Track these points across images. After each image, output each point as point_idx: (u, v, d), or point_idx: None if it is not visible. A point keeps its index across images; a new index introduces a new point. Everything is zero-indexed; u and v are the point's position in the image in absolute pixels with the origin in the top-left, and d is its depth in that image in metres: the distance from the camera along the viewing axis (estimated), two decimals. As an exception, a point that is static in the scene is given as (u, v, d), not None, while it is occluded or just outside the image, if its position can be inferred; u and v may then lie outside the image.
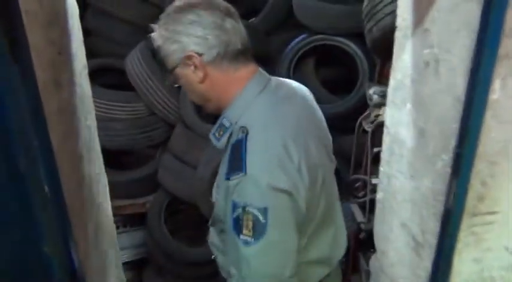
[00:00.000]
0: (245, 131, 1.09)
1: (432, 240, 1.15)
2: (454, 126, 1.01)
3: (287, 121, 1.13)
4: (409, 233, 1.30)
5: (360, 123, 1.83)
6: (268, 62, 2.95)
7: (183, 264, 3.04)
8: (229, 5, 1.13)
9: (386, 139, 1.45)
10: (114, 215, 3.52)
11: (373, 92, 1.65)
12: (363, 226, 1.80)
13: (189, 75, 1.14)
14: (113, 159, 3.43)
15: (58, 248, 0.96)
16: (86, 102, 1.26)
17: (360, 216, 1.86)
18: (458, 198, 1.04)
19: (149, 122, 3.23)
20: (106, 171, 3.29)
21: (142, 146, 3.27)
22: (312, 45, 2.78)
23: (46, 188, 0.90)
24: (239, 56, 1.14)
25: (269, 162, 1.05)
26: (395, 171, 1.38)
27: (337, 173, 1.35)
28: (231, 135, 1.15)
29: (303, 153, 1.10)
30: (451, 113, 1.03)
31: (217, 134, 1.19)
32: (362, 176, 1.85)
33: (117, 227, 3.57)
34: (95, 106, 3.20)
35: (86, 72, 1.28)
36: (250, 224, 1.04)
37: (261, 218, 1.03)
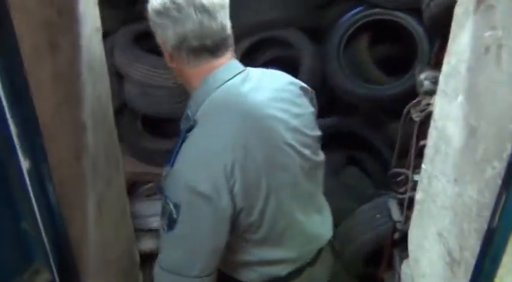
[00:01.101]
0: (191, 127, 1.11)
1: (470, 259, 0.97)
2: (512, 127, 0.82)
3: (234, 122, 1.10)
4: (445, 246, 1.12)
5: (408, 111, 1.62)
6: (320, 38, 2.75)
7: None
8: (208, 1, 1.08)
9: (432, 133, 1.26)
10: (152, 181, 3.53)
11: (424, 77, 1.44)
12: (398, 225, 1.62)
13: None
14: (155, 126, 3.40)
15: (37, 224, 0.89)
16: (97, 69, 1.16)
17: (397, 214, 1.68)
18: (506, 217, 0.85)
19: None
20: (147, 138, 3.27)
21: (182, 113, 3.21)
22: (367, 19, 2.53)
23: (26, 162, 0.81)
24: (202, 52, 1.11)
25: (195, 162, 1.06)
26: (438, 171, 1.19)
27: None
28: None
29: (242, 159, 1.07)
30: (511, 112, 0.83)
31: (184, 123, 1.17)
32: (403, 170, 1.66)
33: (154, 193, 3.59)
34: (137, 71, 3.14)
35: (98, 36, 1.17)
36: (167, 215, 1.06)
37: (173, 212, 1.04)
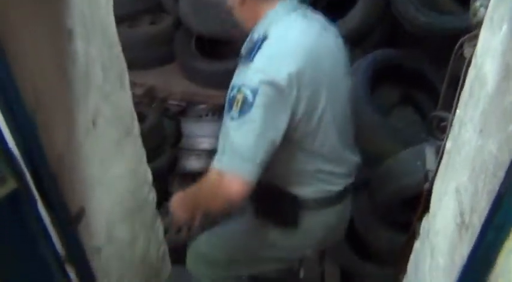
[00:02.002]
0: (265, 35, 1.25)
1: (478, 225, 0.81)
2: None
3: (310, 33, 1.31)
4: (459, 205, 0.95)
5: (461, 46, 1.36)
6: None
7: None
8: None
9: (471, 72, 1.04)
10: (204, 103, 3.51)
11: (479, 4, 1.17)
12: (430, 175, 1.44)
13: None
14: (209, 47, 3.30)
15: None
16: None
17: (431, 163, 1.49)
18: (520, 182, 0.67)
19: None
20: (200, 59, 3.18)
21: (236, 36, 3.06)
22: None
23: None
24: None
25: (275, 57, 1.22)
26: (468, 118, 0.99)
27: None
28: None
29: (313, 65, 1.25)
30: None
31: (247, 46, 1.33)
32: (443, 114, 1.43)
33: (206, 115, 3.59)
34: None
35: None
36: (240, 102, 1.19)
37: (250, 97, 1.18)
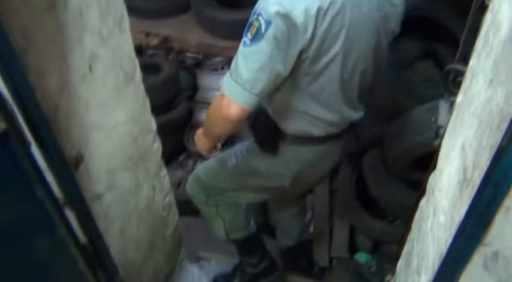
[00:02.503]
0: None
1: (477, 181, 0.76)
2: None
3: None
4: (463, 161, 0.90)
5: (484, -8, 1.26)
6: None
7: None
8: None
9: (487, 19, 0.96)
10: (220, 55, 3.44)
11: None
12: (441, 131, 1.38)
13: None
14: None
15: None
16: None
17: (443, 118, 1.42)
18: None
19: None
20: (216, 8, 3.07)
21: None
22: None
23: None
24: None
25: None
26: (480, 68, 0.92)
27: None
28: None
29: (336, 10, 1.26)
30: None
31: None
32: (459, 67, 1.35)
33: (222, 68, 3.52)
34: None
35: None
36: (255, 29, 1.24)
37: (263, 27, 1.22)
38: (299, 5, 1.21)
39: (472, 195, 0.76)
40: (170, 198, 1.81)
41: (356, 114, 1.58)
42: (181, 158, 3.20)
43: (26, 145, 1.00)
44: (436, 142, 1.37)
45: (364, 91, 1.58)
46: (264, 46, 1.24)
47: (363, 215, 2.36)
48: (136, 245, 1.59)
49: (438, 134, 1.38)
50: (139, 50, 3.31)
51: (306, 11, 1.22)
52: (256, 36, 1.24)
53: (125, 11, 1.27)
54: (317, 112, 1.47)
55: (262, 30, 1.22)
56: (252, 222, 2.01)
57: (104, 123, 1.27)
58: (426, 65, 2.26)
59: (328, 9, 1.25)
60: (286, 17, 1.21)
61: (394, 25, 1.53)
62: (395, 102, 1.99)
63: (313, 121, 1.49)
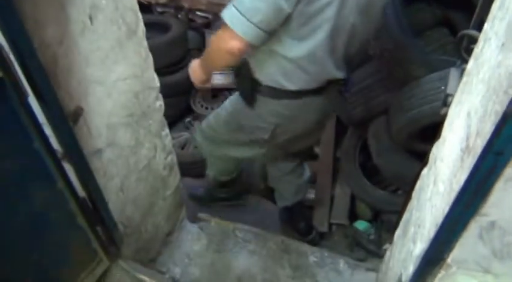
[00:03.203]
0: None
1: (479, 149, 0.74)
2: None
3: None
4: (467, 128, 0.88)
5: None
6: None
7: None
8: None
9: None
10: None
11: None
12: (449, 99, 1.33)
13: None
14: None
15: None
16: None
17: (453, 87, 1.37)
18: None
19: None
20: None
21: None
22: None
23: None
24: None
25: None
26: (493, 32, 0.88)
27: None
28: None
29: None
30: None
31: None
32: (473, 33, 1.30)
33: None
34: None
35: None
36: None
37: None
38: None
39: (473, 164, 0.74)
40: (172, 158, 1.81)
41: (338, 73, 1.56)
42: (187, 119, 3.19)
43: (23, 95, 0.98)
44: (443, 111, 1.33)
45: (353, 52, 1.58)
46: None
47: (365, 183, 2.36)
48: (135, 203, 1.60)
49: (446, 103, 1.34)
50: (149, 8, 3.25)
51: None
52: None
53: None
54: (298, 59, 1.46)
55: None
56: (236, 171, 2.36)
57: (105, 78, 1.25)
58: (440, 33, 2.19)
59: None
60: None
61: None
62: (406, 69, 1.94)
63: (287, 72, 1.50)
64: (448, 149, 1.02)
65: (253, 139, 1.79)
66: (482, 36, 0.99)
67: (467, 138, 0.85)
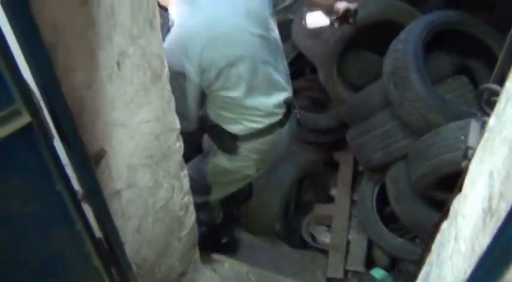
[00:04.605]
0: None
1: (503, 213, 0.72)
2: None
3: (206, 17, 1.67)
4: (490, 189, 0.86)
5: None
6: None
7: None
8: None
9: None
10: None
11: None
12: (470, 152, 1.32)
13: None
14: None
15: (13, 62, 0.84)
16: None
17: (474, 139, 1.36)
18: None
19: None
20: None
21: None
22: None
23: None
24: None
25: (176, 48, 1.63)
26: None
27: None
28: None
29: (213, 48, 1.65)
30: None
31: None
32: (494, 87, 1.30)
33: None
34: None
35: None
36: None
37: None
38: (181, 60, 1.69)
39: (496, 227, 0.72)
40: (188, 198, 1.81)
41: (287, 93, 1.89)
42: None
43: (49, 138, 1.01)
44: (464, 163, 1.32)
45: (283, 67, 1.91)
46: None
47: (382, 230, 2.32)
48: (151, 243, 1.60)
49: (467, 155, 1.33)
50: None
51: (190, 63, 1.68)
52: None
53: (156, 10, 1.27)
54: (250, 110, 1.79)
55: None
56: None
57: (129, 121, 1.28)
58: (460, 81, 2.19)
59: (207, 51, 1.65)
60: (177, 74, 1.63)
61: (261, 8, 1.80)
62: (426, 118, 1.94)
63: (253, 118, 1.81)
64: (469, 206, 1.01)
65: (239, 178, 2.06)
66: (504, 94, 0.99)
67: (490, 199, 0.83)
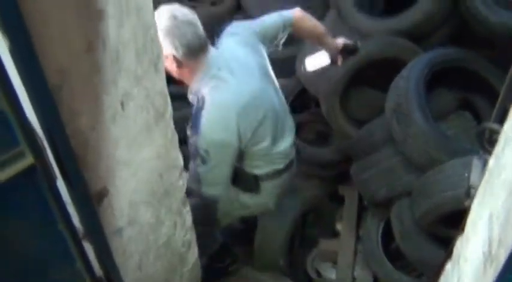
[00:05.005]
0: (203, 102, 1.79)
1: (502, 260, 0.72)
2: None
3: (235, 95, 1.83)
4: (490, 232, 0.86)
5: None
6: None
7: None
8: (189, 13, 1.77)
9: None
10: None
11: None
12: (472, 191, 1.32)
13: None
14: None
15: (19, 106, 0.87)
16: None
17: (476, 178, 1.36)
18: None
19: (306, -2, 2.88)
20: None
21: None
22: None
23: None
24: (198, 51, 1.80)
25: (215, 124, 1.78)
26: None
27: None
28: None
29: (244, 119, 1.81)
30: None
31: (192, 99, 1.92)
32: (495, 126, 1.30)
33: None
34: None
35: None
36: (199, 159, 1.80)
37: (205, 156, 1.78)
38: (220, 133, 1.83)
39: (496, 275, 0.72)
40: (191, 235, 1.81)
41: (291, 139, 2.10)
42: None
43: (51, 179, 1.02)
44: (467, 202, 1.32)
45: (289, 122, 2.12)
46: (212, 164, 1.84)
47: (388, 266, 2.28)
48: (152, 280, 1.58)
49: (469, 194, 1.32)
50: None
51: (228, 135, 1.84)
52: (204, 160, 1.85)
53: (161, 51, 1.31)
54: (272, 155, 1.99)
55: (205, 157, 1.81)
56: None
57: (131, 159, 1.30)
58: (463, 117, 2.20)
59: (240, 122, 1.82)
60: (216, 143, 1.84)
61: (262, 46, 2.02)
62: (429, 154, 1.94)
63: (274, 160, 2.02)
64: (471, 249, 1.00)
65: (258, 212, 2.31)
66: (502, 136, 1.00)
67: (490, 243, 0.83)
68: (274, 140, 1.96)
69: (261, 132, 1.88)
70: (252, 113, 1.83)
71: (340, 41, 2.21)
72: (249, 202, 2.13)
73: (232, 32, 1.99)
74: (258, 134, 1.87)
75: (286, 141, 2.04)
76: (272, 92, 1.97)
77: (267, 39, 2.02)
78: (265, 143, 1.92)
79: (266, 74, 1.97)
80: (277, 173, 2.06)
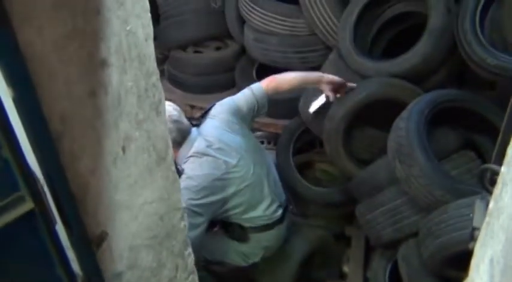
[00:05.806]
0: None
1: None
2: None
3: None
4: (491, 278, 0.84)
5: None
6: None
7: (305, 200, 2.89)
8: (172, 111, 2.12)
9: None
10: (260, 130, 3.51)
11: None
12: (476, 233, 1.30)
13: None
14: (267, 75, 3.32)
15: (20, 154, 0.89)
16: (129, 3, 1.10)
17: (479, 220, 1.34)
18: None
19: (307, 42, 2.96)
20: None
21: (296, 66, 3.04)
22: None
23: None
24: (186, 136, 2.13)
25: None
26: (509, 178, 0.88)
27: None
28: None
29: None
30: None
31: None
32: (495, 167, 1.30)
33: (262, 142, 3.58)
34: (256, 15, 3.01)
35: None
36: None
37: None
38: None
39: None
40: (193, 278, 1.78)
41: (283, 195, 2.38)
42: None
43: (51, 223, 1.03)
44: (471, 245, 1.29)
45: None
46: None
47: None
48: (153, 326, 1.55)
49: (473, 236, 1.30)
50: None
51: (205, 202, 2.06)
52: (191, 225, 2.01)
53: (162, 96, 1.34)
54: (260, 214, 2.20)
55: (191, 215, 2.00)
56: None
57: (132, 202, 1.30)
58: (466, 157, 2.20)
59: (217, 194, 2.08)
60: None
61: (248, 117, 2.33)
62: (433, 194, 1.92)
63: (262, 218, 2.21)
64: (474, 294, 0.98)
65: (246, 258, 2.38)
66: (500, 179, 0.99)
67: (491, 289, 0.81)
68: (248, 208, 2.17)
69: (232, 202, 2.10)
70: (220, 188, 2.05)
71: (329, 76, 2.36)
72: (239, 249, 2.32)
73: (212, 114, 2.25)
74: (228, 205, 2.10)
75: (272, 206, 2.24)
76: (252, 167, 2.17)
77: (246, 114, 2.28)
78: (237, 210, 2.14)
79: (248, 150, 2.19)
80: (266, 227, 2.25)
